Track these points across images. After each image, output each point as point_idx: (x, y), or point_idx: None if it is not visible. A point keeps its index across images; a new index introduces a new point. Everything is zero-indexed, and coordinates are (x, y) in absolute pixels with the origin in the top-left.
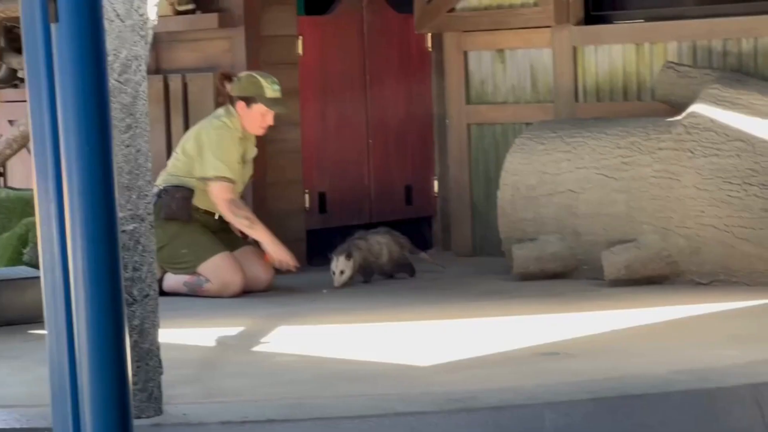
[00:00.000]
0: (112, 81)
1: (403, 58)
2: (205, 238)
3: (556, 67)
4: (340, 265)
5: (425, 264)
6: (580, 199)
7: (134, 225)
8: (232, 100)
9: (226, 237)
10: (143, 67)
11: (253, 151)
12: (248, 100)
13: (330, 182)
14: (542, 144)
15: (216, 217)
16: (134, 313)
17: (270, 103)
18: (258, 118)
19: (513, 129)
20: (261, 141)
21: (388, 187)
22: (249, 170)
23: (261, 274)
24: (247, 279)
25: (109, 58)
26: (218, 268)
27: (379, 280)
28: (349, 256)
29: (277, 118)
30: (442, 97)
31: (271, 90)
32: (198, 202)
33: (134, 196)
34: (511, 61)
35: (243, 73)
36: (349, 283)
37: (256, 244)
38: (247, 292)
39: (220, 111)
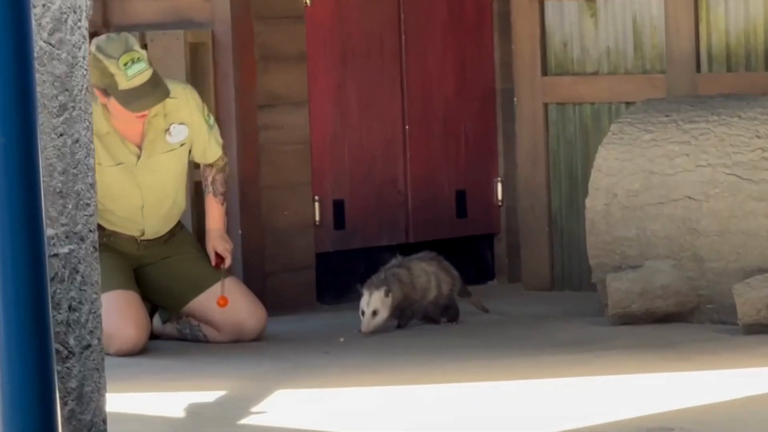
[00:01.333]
0: (40, 43)
1: (454, 11)
2: (107, 267)
3: (669, 22)
4: (375, 303)
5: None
6: (702, 209)
7: (71, 247)
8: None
9: (166, 266)
10: (84, 23)
11: (153, 148)
12: (103, 90)
13: (350, 186)
14: (649, 132)
15: (138, 237)
16: (70, 371)
17: (124, 98)
18: (123, 111)
19: (608, 111)
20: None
21: (432, 194)
22: (169, 182)
23: (246, 319)
24: (228, 325)
25: (35, 11)
26: (105, 312)
27: (414, 325)
28: (388, 293)
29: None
30: (509, 65)
31: (126, 78)
32: (100, 220)
33: (70, 206)
34: (606, 14)
35: (92, 45)
36: (379, 328)
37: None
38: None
39: None
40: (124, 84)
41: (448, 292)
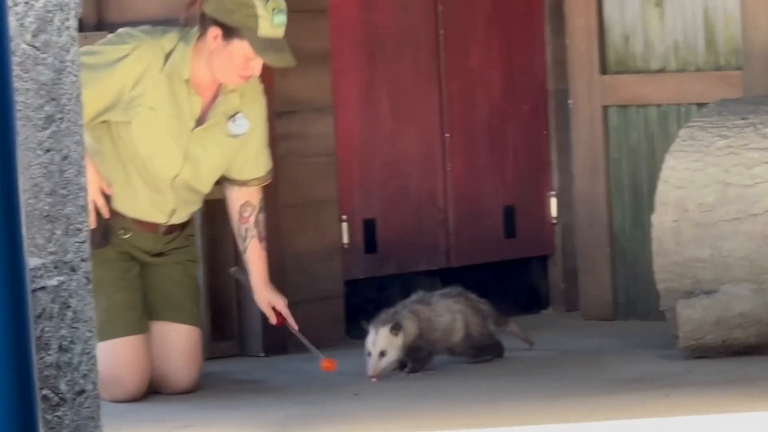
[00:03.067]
0: (23, 46)
1: (499, 1)
2: (115, 302)
3: (745, 12)
4: (382, 343)
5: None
6: None
7: (60, 278)
8: (203, 21)
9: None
10: (73, 23)
11: (224, 126)
12: (228, 31)
13: (383, 204)
14: (724, 137)
15: (162, 226)
16: (62, 421)
17: (262, 45)
18: (238, 62)
19: (677, 113)
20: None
21: (476, 211)
22: (209, 168)
23: (181, 369)
24: (158, 375)
25: (17, 10)
26: (107, 357)
27: (452, 362)
28: (396, 329)
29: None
30: (562, 63)
31: (270, 23)
32: (120, 204)
33: (59, 232)
34: (674, 3)
35: None
36: (389, 371)
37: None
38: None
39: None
40: (267, 30)
41: (479, 332)
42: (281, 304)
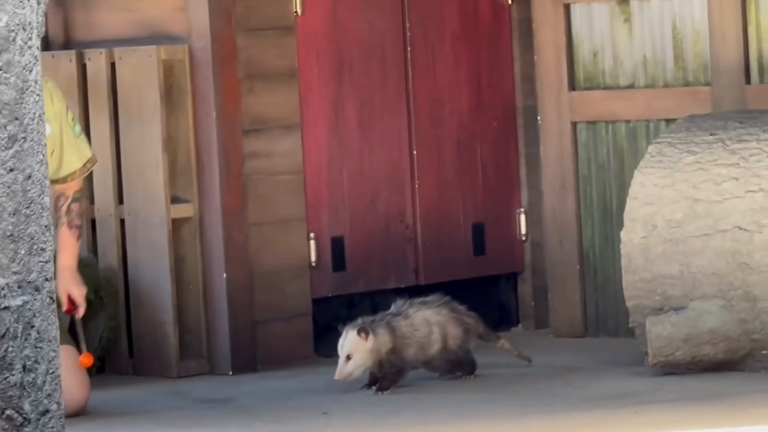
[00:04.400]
0: None
1: (467, 17)
2: None
3: (713, 27)
4: (348, 346)
5: (504, 355)
6: (754, 242)
7: (24, 298)
8: None
9: None
10: (36, 42)
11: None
12: None
13: (351, 221)
14: (692, 153)
15: None
16: None
17: None
18: None
19: (646, 129)
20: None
21: (445, 228)
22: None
23: (74, 389)
24: None
25: None
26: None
27: (422, 378)
28: (363, 332)
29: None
30: (531, 79)
31: None
32: None
33: (23, 252)
34: (642, 19)
35: None
36: (357, 376)
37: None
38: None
39: None
40: None
41: (458, 346)
42: (77, 293)
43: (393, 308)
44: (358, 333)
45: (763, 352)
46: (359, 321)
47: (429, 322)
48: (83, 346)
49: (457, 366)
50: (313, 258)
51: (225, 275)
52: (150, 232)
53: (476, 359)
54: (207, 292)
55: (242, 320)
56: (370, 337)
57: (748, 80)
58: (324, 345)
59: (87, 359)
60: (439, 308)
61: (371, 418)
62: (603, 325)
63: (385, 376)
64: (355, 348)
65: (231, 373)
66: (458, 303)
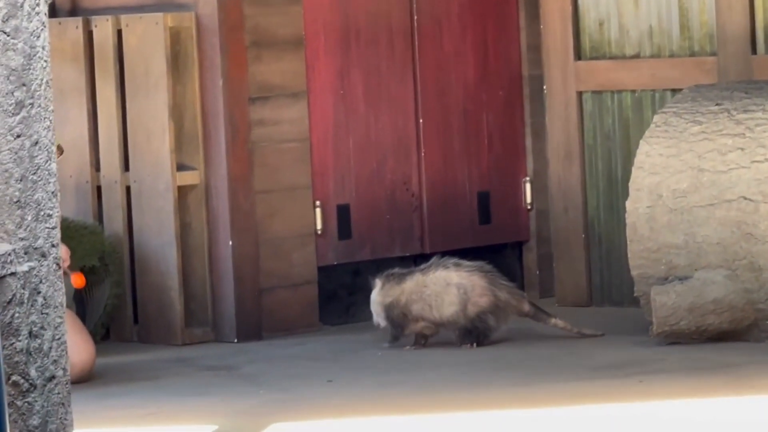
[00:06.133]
0: None
1: None
2: None
3: None
4: (372, 296)
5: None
6: (760, 212)
7: (30, 264)
8: None
9: None
10: (44, 8)
11: None
12: None
13: (357, 190)
14: (698, 123)
15: None
16: (32, 407)
17: None
18: None
19: (651, 99)
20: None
21: (450, 197)
22: None
23: (73, 354)
24: None
25: None
26: None
27: (424, 350)
28: (375, 284)
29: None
30: (537, 49)
31: None
32: None
33: (29, 218)
34: None
35: None
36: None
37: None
38: None
39: None
40: None
41: (477, 315)
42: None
43: (423, 265)
44: (372, 284)
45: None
46: (382, 273)
47: (448, 283)
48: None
49: (467, 334)
50: (319, 226)
51: (231, 243)
52: (156, 199)
53: (493, 336)
54: (212, 260)
55: (247, 288)
56: (379, 288)
57: (754, 50)
58: (329, 313)
59: (79, 279)
60: (471, 272)
61: (376, 387)
62: (608, 294)
63: (393, 330)
64: (372, 299)
65: (236, 340)
66: (503, 276)
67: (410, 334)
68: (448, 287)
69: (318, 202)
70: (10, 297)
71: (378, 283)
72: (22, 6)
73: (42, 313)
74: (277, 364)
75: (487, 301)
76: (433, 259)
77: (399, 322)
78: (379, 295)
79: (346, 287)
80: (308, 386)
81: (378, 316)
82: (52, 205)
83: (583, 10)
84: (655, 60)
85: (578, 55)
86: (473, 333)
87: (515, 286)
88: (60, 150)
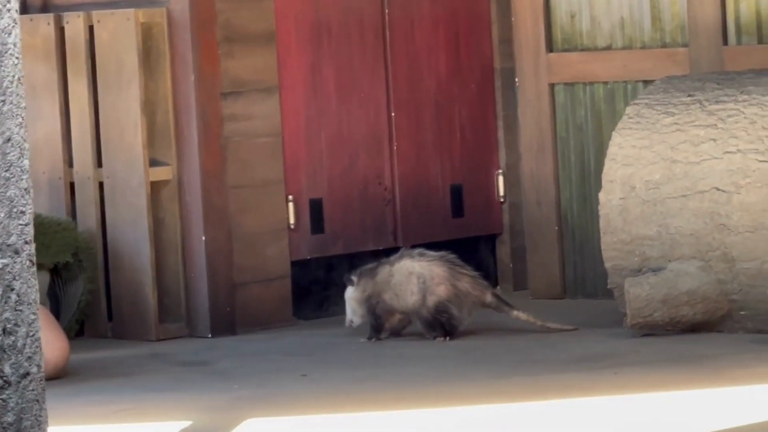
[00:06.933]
0: None
1: None
2: None
3: None
4: (346, 294)
5: (486, 317)
6: (732, 202)
7: (3, 261)
8: None
9: None
10: (14, 4)
11: None
12: None
13: (329, 184)
14: (670, 114)
15: None
16: (6, 404)
17: None
18: None
19: (623, 91)
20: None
21: (423, 190)
22: None
23: (46, 351)
24: None
25: None
26: None
27: (400, 343)
28: (348, 281)
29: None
30: (509, 41)
31: None
32: None
33: (2, 215)
34: None
35: None
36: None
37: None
38: None
39: None
40: None
41: (435, 305)
42: None
43: (397, 253)
44: (346, 280)
45: (742, 312)
46: (357, 269)
47: (411, 272)
48: None
49: (430, 326)
50: (291, 220)
51: (204, 238)
52: (129, 195)
53: (461, 326)
54: (186, 255)
55: (221, 283)
56: (353, 284)
57: (725, 41)
58: (303, 307)
59: None
60: (432, 262)
61: (350, 382)
62: (581, 287)
63: (371, 324)
64: (347, 296)
65: (210, 335)
66: (467, 267)
67: (390, 327)
68: (410, 276)
69: (291, 197)
70: None
71: (353, 279)
72: None
73: (16, 310)
74: (252, 359)
75: (445, 290)
76: (402, 250)
77: (378, 314)
78: (356, 291)
79: (320, 282)
80: (283, 381)
81: (354, 314)
82: (25, 202)
83: (555, 2)
84: (627, 51)
85: (550, 48)
86: (438, 324)
87: (479, 276)
88: None
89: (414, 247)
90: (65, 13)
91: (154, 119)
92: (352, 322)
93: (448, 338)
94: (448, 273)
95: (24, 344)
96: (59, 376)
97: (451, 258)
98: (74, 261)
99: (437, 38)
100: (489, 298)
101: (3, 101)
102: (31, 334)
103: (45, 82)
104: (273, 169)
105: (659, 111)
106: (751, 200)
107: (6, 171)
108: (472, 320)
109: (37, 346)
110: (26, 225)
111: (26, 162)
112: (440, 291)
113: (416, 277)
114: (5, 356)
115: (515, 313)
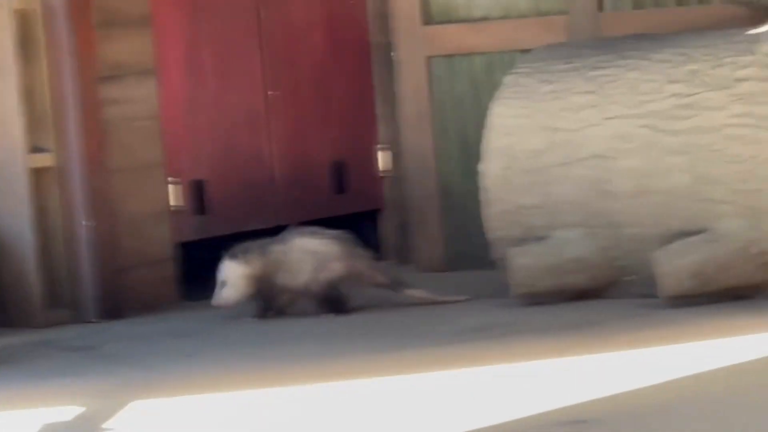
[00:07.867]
0: None
1: None
2: None
3: None
4: (224, 273)
5: (378, 291)
6: (614, 169)
7: None
8: None
9: None
10: None
11: None
12: None
13: (210, 165)
14: (549, 83)
15: None
16: None
17: None
18: None
19: (501, 61)
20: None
21: (304, 167)
22: None
23: None
24: None
25: None
26: None
27: (290, 320)
28: (235, 258)
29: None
30: (385, 15)
31: None
32: None
33: None
34: None
35: None
36: (236, 304)
37: None
38: None
39: None
40: None
41: (326, 281)
42: None
43: (279, 235)
44: (231, 259)
45: (627, 278)
46: (236, 247)
47: (305, 250)
48: None
49: (322, 303)
50: (173, 202)
51: (86, 223)
52: (11, 182)
53: (351, 303)
54: (70, 241)
55: (106, 267)
56: (242, 262)
57: (601, 8)
58: (188, 289)
59: None
60: (325, 240)
61: (238, 359)
62: (466, 259)
63: (259, 301)
64: (229, 274)
65: (97, 320)
66: (360, 246)
67: (277, 306)
68: (305, 255)
69: (172, 179)
70: None
71: (238, 257)
72: None
73: None
74: (139, 342)
75: (341, 268)
76: (291, 228)
77: (268, 295)
78: (245, 269)
79: (205, 263)
80: (171, 363)
81: (236, 291)
82: None
83: None
84: (504, 22)
85: (426, 20)
86: (328, 301)
87: (373, 256)
88: None
89: (301, 225)
90: None
91: (34, 106)
92: (228, 300)
93: (337, 315)
94: (344, 252)
95: None
96: None
97: (345, 237)
98: None
99: (313, 14)
100: (383, 277)
101: None
102: None
103: None
104: (153, 152)
105: (537, 79)
106: (633, 165)
107: None
108: (364, 298)
109: None
110: None
111: None
112: (337, 269)
113: (311, 255)
114: None
115: (409, 291)
